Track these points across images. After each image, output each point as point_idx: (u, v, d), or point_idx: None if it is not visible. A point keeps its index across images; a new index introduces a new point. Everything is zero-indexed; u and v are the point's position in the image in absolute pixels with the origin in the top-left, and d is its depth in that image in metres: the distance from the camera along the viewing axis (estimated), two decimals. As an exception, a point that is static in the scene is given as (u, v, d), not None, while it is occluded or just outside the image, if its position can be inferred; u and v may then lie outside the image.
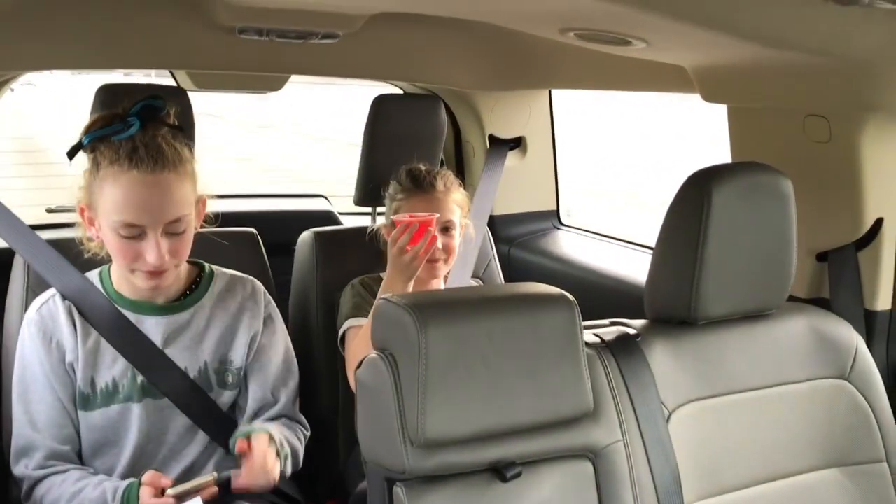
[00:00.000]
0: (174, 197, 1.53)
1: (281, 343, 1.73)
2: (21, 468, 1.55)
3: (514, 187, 2.71)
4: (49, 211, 2.58)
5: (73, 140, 1.61)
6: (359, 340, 1.89)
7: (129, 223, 1.50)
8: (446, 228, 1.98)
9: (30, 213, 2.44)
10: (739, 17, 1.30)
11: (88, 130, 1.58)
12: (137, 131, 1.54)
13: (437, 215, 1.90)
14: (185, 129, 1.70)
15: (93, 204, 1.56)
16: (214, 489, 1.49)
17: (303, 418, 1.76)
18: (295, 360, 1.77)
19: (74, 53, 2.07)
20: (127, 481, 1.51)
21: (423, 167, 2.05)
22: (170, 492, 1.45)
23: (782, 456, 1.48)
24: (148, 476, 1.49)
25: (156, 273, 1.55)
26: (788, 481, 1.47)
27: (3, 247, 1.87)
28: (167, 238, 1.53)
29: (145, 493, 1.46)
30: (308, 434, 1.74)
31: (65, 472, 1.55)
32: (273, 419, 1.69)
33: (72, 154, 1.59)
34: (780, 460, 1.47)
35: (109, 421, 1.61)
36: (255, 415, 1.69)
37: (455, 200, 2.01)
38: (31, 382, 1.60)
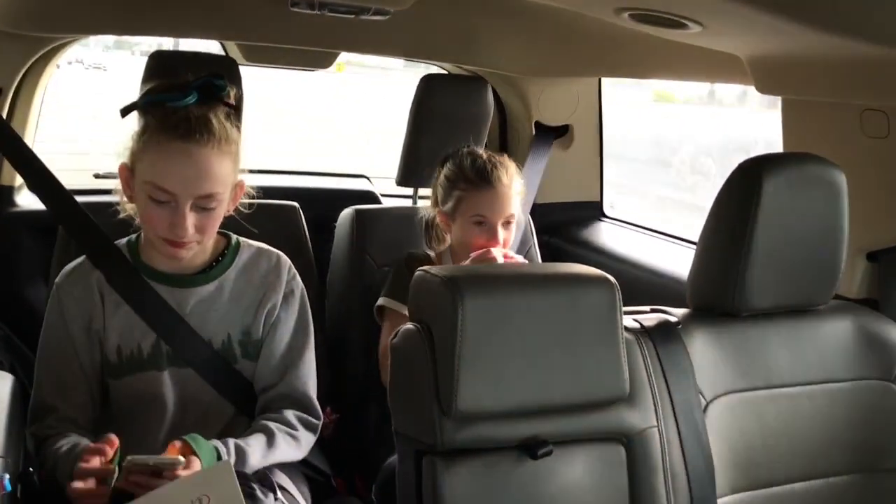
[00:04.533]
0: (211, 172, 1.53)
1: (295, 320, 1.69)
2: (34, 428, 1.57)
3: (557, 176, 2.69)
4: (97, 176, 2.62)
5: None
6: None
7: (161, 188, 1.50)
8: (507, 222, 1.96)
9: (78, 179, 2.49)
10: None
11: (147, 94, 1.59)
12: (193, 103, 1.55)
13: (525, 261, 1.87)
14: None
15: (133, 165, 1.57)
16: (178, 473, 1.40)
17: (314, 401, 1.69)
18: (311, 339, 1.71)
19: (126, 18, 2.09)
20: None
21: (484, 155, 2.01)
22: (130, 458, 1.40)
23: (821, 455, 1.45)
24: (88, 448, 1.44)
25: (177, 244, 1.55)
26: (825, 481, 1.45)
27: None
28: (196, 212, 1.53)
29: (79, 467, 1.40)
30: (320, 420, 1.70)
31: (63, 434, 1.55)
32: (276, 398, 1.67)
33: (125, 112, 1.59)
34: (819, 459, 1.44)
35: (136, 389, 1.61)
36: (263, 390, 1.68)
37: (516, 192, 1.99)
38: (52, 346, 1.61)
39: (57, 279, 1.67)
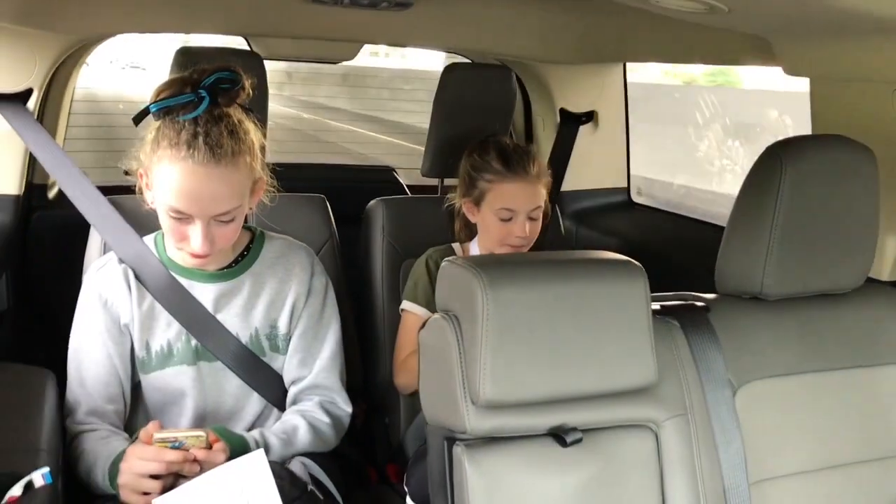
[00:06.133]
0: (225, 191, 1.52)
1: (321, 312, 1.71)
2: (67, 422, 1.60)
3: (584, 163, 2.67)
4: (127, 173, 2.65)
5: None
6: (408, 345, 1.92)
7: (177, 210, 1.51)
8: (533, 214, 1.93)
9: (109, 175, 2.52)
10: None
11: (158, 95, 1.55)
12: (205, 110, 1.50)
13: None
14: (258, 97, 1.69)
15: (150, 175, 1.56)
16: (203, 453, 1.44)
17: (343, 392, 1.72)
18: (338, 331, 1.74)
19: (149, 17, 2.11)
20: (122, 448, 1.49)
21: (511, 145, 1.98)
22: (157, 435, 1.44)
23: (853, 440, 1.43)
24: (141, 433, 1.47)
25: (198, 256, 1.56)
26: (858, 466, 1.43)
27: None
28: (214, 226, 1.53)
29: (133, 451, 1.45)
30: (350, 411, 1.72)
31: (95, 430, 1.57)
32: (305, 390, 1.69)
33: (138, 119, 1.57)
34: (851, 444, 1.43)
35: (166, 383, 1.64)
36: (292, 383, 1.69)
37: (543, 183, 1.95)
38: (84, 340, 1.63)
39: (87, 274, 1.69)
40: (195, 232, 1.52)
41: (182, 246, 1.56)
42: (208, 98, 1.52)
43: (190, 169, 1.48)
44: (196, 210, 1.50)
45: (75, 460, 1.55)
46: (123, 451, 1.48)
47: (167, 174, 1.50)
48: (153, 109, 1.53)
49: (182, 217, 1.51)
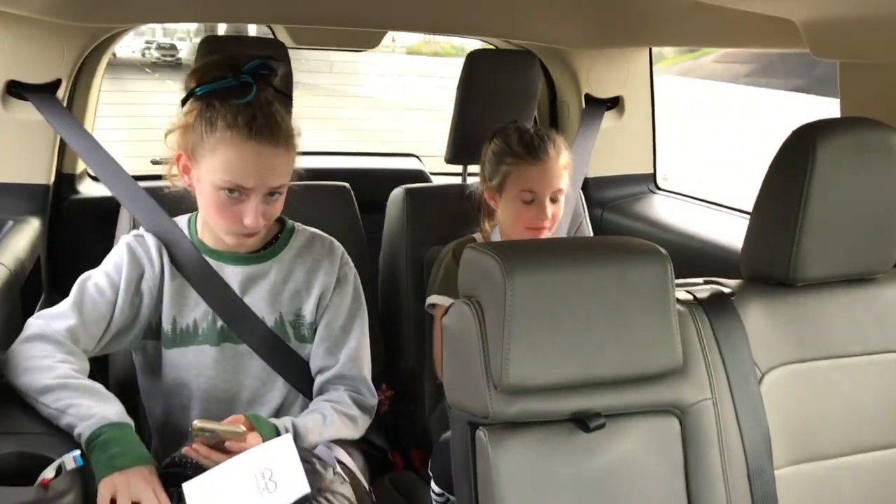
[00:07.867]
0: (281, 168, 1.59)
1: (349, 304, 1.73)
2: (40, 322, 1.54)
3: (609, 149, 2.66)
4: (154, 163, 2.69)
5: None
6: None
7: (238, 185, 1.55)
8: (555, 196, 1.95)
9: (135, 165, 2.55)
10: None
11: (200, 80, 1.60)
12: (254, 97, 1.57)
13: None
14: (283, 86, 1.72)
15: (197, 156, 1.59)
16: (238, 445, 1.45)
17: (369, 382, 1.73)
18: (365, 322, 1.75)
19: (175, 7, 2.13)
20: (108, 419, 1.43)
21: (531, 129, 2.00)
22: (198, 423, 1.43)
23: (880, 426, 1.42)
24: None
25: (247, 234, 1.60)
26: (885, 453, 1.42)
27: (112, 195, 1.97)
28: (264, 202, 1.58)
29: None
30: (375, 401, 1.72)
31: (55, 369, 1.49)
32: (332, 379, 1.70)
33: (185, 101, 1.62)
34: (878, 430, 1.42)
35: (184, 361, 1.66)
36: (319, 372, 1.71)
37: (564, 166, 1.97)
38: (100, 272, 1.64)
39: (125, 236, 1.71)
40: (248, 208, 1.57)
41: (232, 227, 1.59)
42: (254, 86, 1.58)
43: (254, 148, 1.55)
44: (255, 183, 1.56)
45: (37, 367, 1.48)
46: (107, 430, 1.42)
47: (228, 153, 1.55)
48: (199, 92, 1.59)
49: (238, 192, 1.56)
